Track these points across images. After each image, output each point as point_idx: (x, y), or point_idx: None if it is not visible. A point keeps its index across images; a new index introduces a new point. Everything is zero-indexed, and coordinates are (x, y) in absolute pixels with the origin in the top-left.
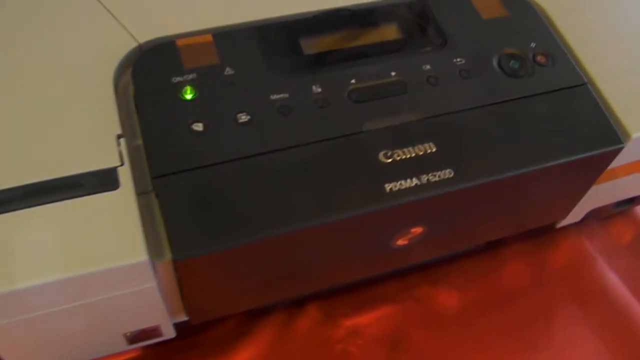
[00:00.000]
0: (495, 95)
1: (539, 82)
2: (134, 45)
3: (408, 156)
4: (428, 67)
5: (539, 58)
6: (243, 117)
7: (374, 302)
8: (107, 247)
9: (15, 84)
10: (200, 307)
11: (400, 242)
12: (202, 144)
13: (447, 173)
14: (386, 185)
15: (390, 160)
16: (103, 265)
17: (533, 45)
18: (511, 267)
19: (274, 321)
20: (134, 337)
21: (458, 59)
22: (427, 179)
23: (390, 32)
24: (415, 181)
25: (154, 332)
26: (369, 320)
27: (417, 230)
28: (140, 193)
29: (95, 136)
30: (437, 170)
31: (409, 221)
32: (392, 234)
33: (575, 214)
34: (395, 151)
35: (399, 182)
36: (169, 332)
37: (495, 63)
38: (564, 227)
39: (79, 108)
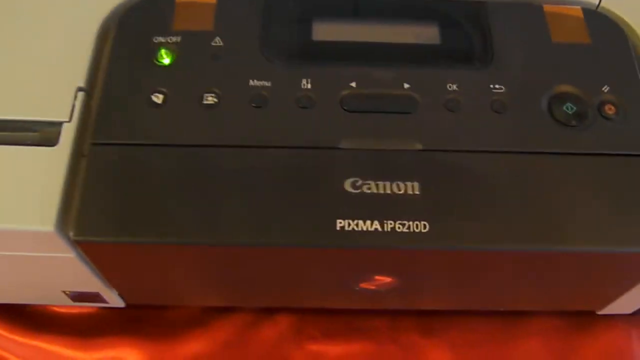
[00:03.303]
0: (529, 142)
1: (596, 139)
2: None
3: (381, 192)
4: (454, 86)
5: (607, 108)
6: (209, 99)
7: (351, 333)
8: (20, 206)
9: None
10: (126, 289)
11: (365, 285)
12: (154, 118)
13: (421, 226)
14: (338, 221)
15: (357, 191)
16: (8, 224)
17: (605, 89)
18: (529, 343)
19: (238, 321)
20: (75, 297)
21: (497, 86)
22: (393, 227)
23: (426, 33)
24: (376, 225)
25: (96, 297)
26: (337, 351)
27: (385, 279)
28: (81, 155)
29: (56, 83)
30: (410, 220)
31: (368, 268)
32: (351, 276)
33: (624, 305)
34: (367, 182)
35: (356, 222)
36: (114, 301)
37: (544, 101)
38: (610, 315)
39: (52, 48)
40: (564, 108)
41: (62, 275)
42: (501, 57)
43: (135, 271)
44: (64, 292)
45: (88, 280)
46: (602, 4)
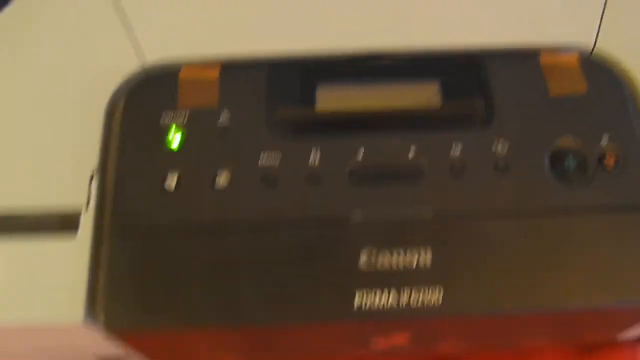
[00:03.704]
0: (534, 203)
1: (598, 193)
2: (138, 65)
3: (395, 262)
4: (458, 150)
5: (607, 159)
6: (222, 180)
7: None
8: (47, 300)
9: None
10: (152, 356)
11: (380, 344)
12: (169, 203)
13: (437, 291)
14: (356, 294)
15: (372, 263)
16: (36, 319)
17: (604, 140)
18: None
19: None
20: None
21: (499, 146)
22: (409, 295)
23: (426, 94)
24: (393, 295)
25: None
26: None
27: (400, 339)
28: (101, 243)
29: (69, 169)
30: (425, 286)
31: (384, 332)
32: (366, 339)
33: None
34: (381, 253)
35: (373, 293)
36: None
37: (546, 158)
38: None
39: (62, 131)
40: (566, 163)
41: (88, 346)
42: (502, 115)
43: (161, 346)
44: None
45: (114, 347)
46: (598, 46)
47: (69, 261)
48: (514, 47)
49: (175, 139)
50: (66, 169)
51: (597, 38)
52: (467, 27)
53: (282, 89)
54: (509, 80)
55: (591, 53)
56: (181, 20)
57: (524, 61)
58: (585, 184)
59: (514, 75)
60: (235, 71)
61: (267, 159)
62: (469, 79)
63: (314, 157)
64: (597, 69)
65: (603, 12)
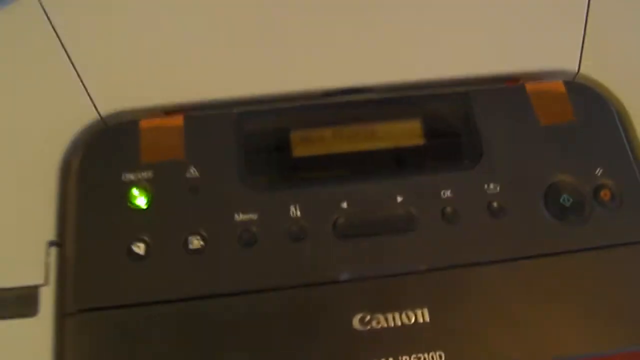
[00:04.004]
0: (531, 246)
1: (596, 231)
2: (94, 117)
3: (391, 325)
4: (448, 193)
5: (602, 194)
6: (195, 242)
7: None
8: None
9: None
10: None
11: None
12: (138, 272)
13: (437, 357)
14: None
15: (366, 328)
16: None
17: (598, 172)
18: None
19: None
20: None
21: (491, 186)
22: None
23: (409, 132)
24: None
25: None
26: None
27: None
28: (65, 314)
29: (23, 241)
30: (425, 352)
31: None
32: None
33: None
34: (375, 316)
35: None
36: None
37: (540, 196)
38: None
39: (12, 195)
40: (561, 201)
41: None
42: (490, 151)
43: None
44: None
45: None
46: (581, 70)
47: (30, 343)
48: (496, 77)
49: (140, 197)
50: (19, 241)
51: (580, 62)
52: (447, 59)
53: (252, 135)
54: (495, 112)
55: (575, 76)
56: (137, 67)
57: (509, 91)
58: (583, 222)
59: (500, 106)
60: (200, 119)
61: (244, 214)
62: (452, 115)
63: (294, 210)
64: (583, 93)
65: (584, 37)
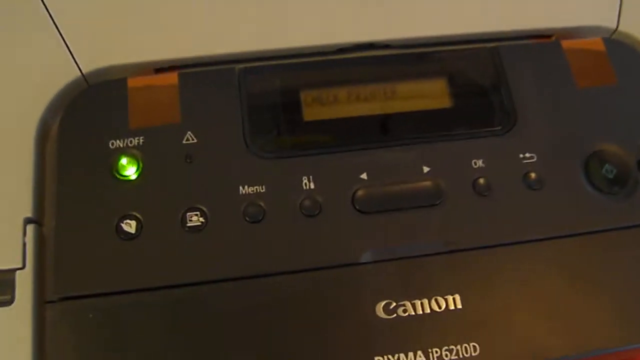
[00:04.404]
0: (572, 222)
1: None
2: (75, 75)
3: (419, 312)
4: (480, 162)
5: None
6: (194, 219)
7: None
8: None
9: None
10: None
11: None
12: (129, 254)
13: (471, 349)
14: (376, 359)
15: (391, 316)
16: None
17: None
18: None
19: None
20: None
21: (526, 154)
22: (439, 356)
23: (434, 92)
24: (420, 358)
25: None
26: None
27: None
28: (46, 302)
29: None
30: (457, 344)
31: None
32: None
33: None
34: (401, 303)
35: (397, 356)
36: None
37: (581, 166)
38: None
39: None
40: (604, 172)
41: None
42: (525, 115)
43: None
44: None
45: None
46: (620, 27)
47: (6, 335)
48: (526, 33)
49: (130, 167)
50: None
51: (618, 18)
52: (472, 13)
53: (258, 95)
54: (529, 70)
55: (611, 35)
56: (124, 17)
57: (543, 48)
58: (629, 196)
59: (533, 65)
60: (197, 76)
61: (250, 187)
62: (481, 72)
63: (307, 181)
64: (623, 54)
65: None
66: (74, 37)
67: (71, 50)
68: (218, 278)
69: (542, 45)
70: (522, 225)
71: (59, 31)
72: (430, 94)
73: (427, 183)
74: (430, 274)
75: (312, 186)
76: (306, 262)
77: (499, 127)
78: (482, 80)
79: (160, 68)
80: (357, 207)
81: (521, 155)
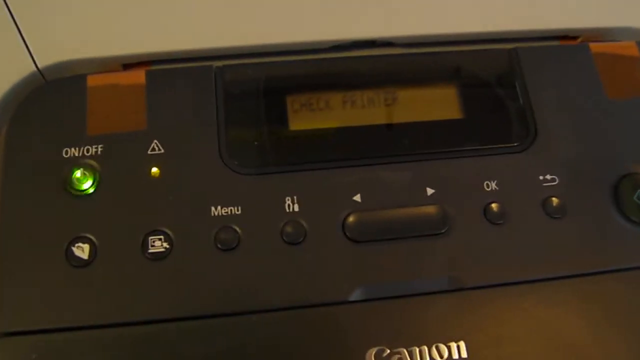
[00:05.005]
0: (601, 258)
1: None
2: (30, 69)
3: None
4: (493, 185)
5: None
6: (157, 244)
7: None
8: None
9: None
10: None
11: None
12: (81, 283)
13: None
14: None
15: None
16: None
17: None
18: None
19: None
20: None
21: (547, 176)
22: None
23: (442, 100)
24: None
25: None
26: None
27: None
28: None
29: None
30: None
31: None
32: None
33: None
34: (396, 351)
35: None
36: None
37: (609, 191)
38: None
39: None
40: (636, 198)
41: None
42: (546, 129)
43: None
44: None
45: None
46: None
47: None
48: (549, 33)
49: (85, 181)
50: None
51: None
52: (492, 7)
53: (236, 99)
54: (552, 77)
55: None
56: (86, 6)
57: (569, 51)
58: None
59: (557, 71)
60: (167, 75)
61: (224, 207)
62: (496, 78)
63: (291, 202)
64: None
65: None
66: (29, 26)
67: (26, 41)
68: (183, 315)
69: (567, 47)
70: (541, 260)
71: (13, 19)
72: (437, 102)
73: (431, 208)
74: (432, 317)
75: (296, 208)
76: (286, 298)
77: (516, 143)
78: (497, 87)
79: (129, 64)
80: (348, 235)
81: (541, 177)
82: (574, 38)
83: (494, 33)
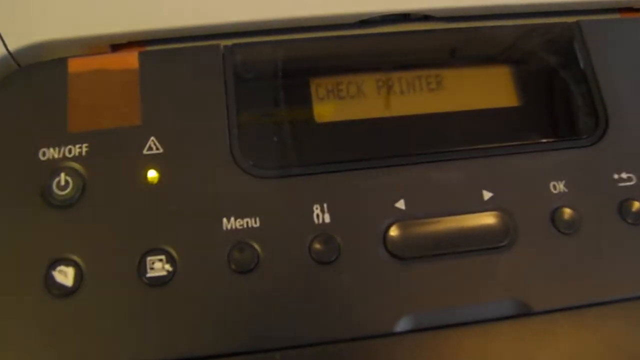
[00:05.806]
0: None
1: None
2: (1, 53)
3: None
4: (560, 186)
5: None
6: (157, 266)
7: None
8: None
9: None
10: None
11: None
12: (65, 318)
13: None
14: None
15: None
16: None
17: None
18: None
19: None
20: None
21: (622, 175)
22: None
23: (494, 85)
24: None
25: None
26: None
27: None
28: None
29: None
30: None
31: None
32: None
33: None
34: None
35: None
36: None
37: None
38: None
39: None
40: None
41: None
42: (619, 118)
43: None
44: None
45: None
46: None
47: None
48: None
49: (67, 188)
50: None
51: None
52: None
53: (252, 86)
54: (624, 57)
55: None
56: None
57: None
58: None
59: (630, 50)
60: (166, 57)
61: (238, 219)
62: (560, 60)
63: (320, 212)
64: None
65: None
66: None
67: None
68: (191, 355)
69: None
70: (622, 276)
71: None
72: (489, 87)
73: (490, 216)
74: (494, 349)
75: (327, 219)
76: (317, 332)
77: (585, 136)
78: (560, 68)
79: (118, 44)
80: (391, 251)
81: (615, 176)
82: (638, 10)
83: (552, 4)
